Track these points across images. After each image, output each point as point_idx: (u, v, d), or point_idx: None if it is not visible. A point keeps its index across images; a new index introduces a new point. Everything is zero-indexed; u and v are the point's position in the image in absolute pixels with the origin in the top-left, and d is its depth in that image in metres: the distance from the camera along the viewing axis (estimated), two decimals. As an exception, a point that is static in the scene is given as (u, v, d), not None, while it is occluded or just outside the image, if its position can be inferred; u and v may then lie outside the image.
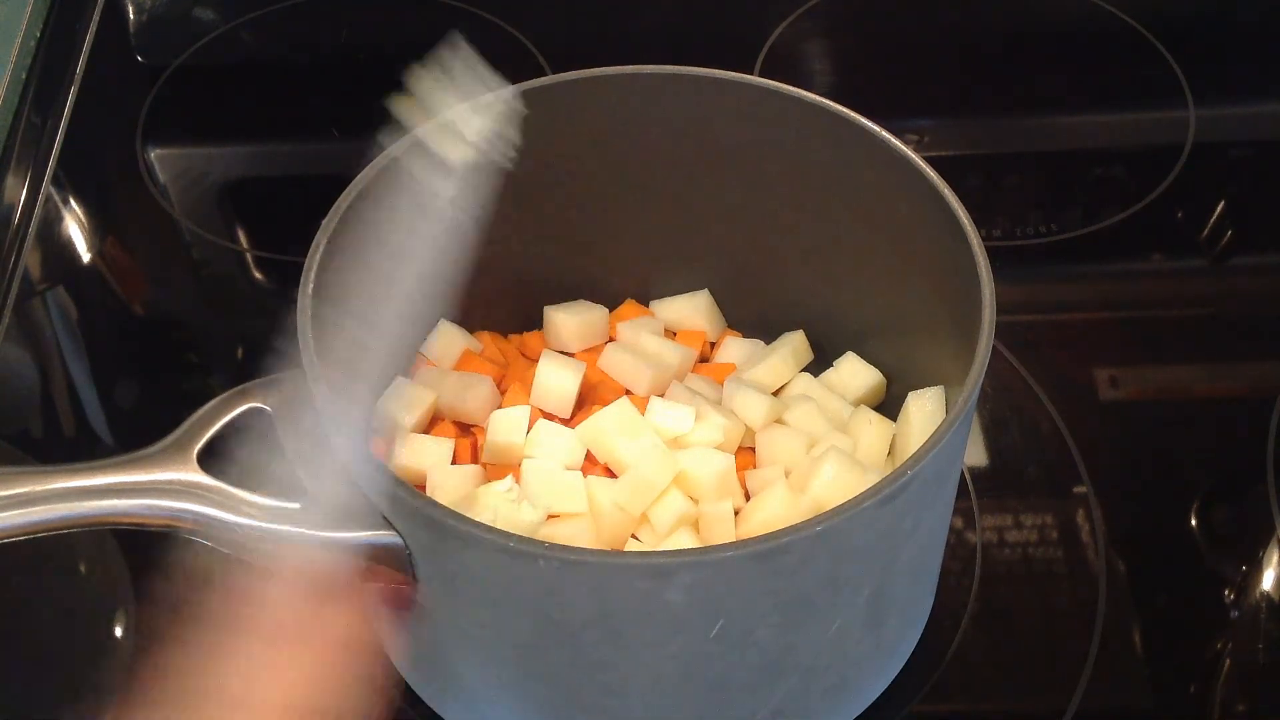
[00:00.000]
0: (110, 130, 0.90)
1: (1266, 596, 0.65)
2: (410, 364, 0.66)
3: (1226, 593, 0.65)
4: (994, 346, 0.51)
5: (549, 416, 0.64)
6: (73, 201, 0.86)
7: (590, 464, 0.62)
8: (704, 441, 0.61)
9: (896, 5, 1.01)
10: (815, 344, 0.68)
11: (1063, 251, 0.82)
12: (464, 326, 0.67)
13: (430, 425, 0.64)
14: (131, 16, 0.99)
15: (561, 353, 0.67)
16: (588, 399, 0.65)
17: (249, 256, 0.83)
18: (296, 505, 0.50)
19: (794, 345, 0.67)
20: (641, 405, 0.62)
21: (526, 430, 0.61)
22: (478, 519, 0.46)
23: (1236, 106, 0.92)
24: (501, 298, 0.68)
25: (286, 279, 0.79)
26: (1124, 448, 0.71)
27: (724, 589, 0.46)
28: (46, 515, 0.49)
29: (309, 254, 0.53)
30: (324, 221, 0.55)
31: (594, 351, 0.67)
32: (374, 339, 0.62)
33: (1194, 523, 0.67)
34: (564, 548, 0.45)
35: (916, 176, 0.56)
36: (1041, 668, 0.62)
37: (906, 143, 0.57)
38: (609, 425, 0.60)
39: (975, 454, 0.70)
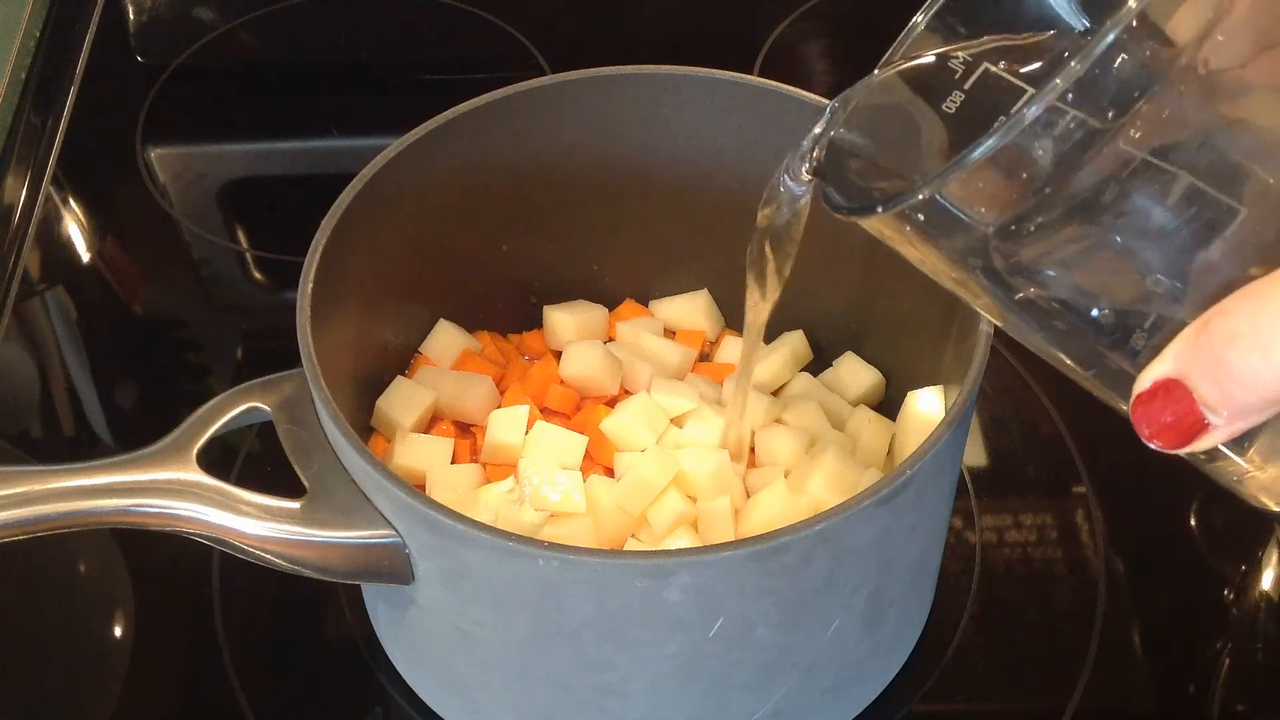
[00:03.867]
0: (110, 130, 0.90)
1: (1266, 596, 0.65)
2: (410, 363, 0.66)
3: (1226, 592, 0.65)
4: (993, 346, 0.51)
5: (549, 415, 0.64)
6: (73, 201, 0.86)
7: (590, 464, 0.62)
8: (701, 441, 0.61)
9: (896, 5, 1.00)
10: (815, 344, 0.68)
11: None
12: (464, 326, 0.67)
13: (430, 425, 0.64)
14: (131, 16, 0.99)
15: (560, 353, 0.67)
16: (587, 398, 0.65)
17: (249, 256, 0.83)
18: (296, 505, 0.50)
19: (794, 345, 0.67)
20: (641, 405, 0.62)
21: (526, 430, 0.61)
22: (478, 519, 0.46)
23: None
24: (501, 298, 0.68)
25: (286, 279, 0.79)
26: (1124, 448, 0.71)
27: (723, 588, 0.46)
28: (46, 515, 0.49)
29: (309, 254, 0.53)
30: (324, 221, 0.55)
31: (593, 351, 0.67)
32: (374, 339, 0.62)
33: (1193, 523, 0.67)
34: (564, 547, 0.45)
35: (916, 176, 0.56)
36: (1041, 668, 0.62)
37: (906, 142, 0.57)
38: (619, 421, 0.60)
39: (975, 454, 0.70)
